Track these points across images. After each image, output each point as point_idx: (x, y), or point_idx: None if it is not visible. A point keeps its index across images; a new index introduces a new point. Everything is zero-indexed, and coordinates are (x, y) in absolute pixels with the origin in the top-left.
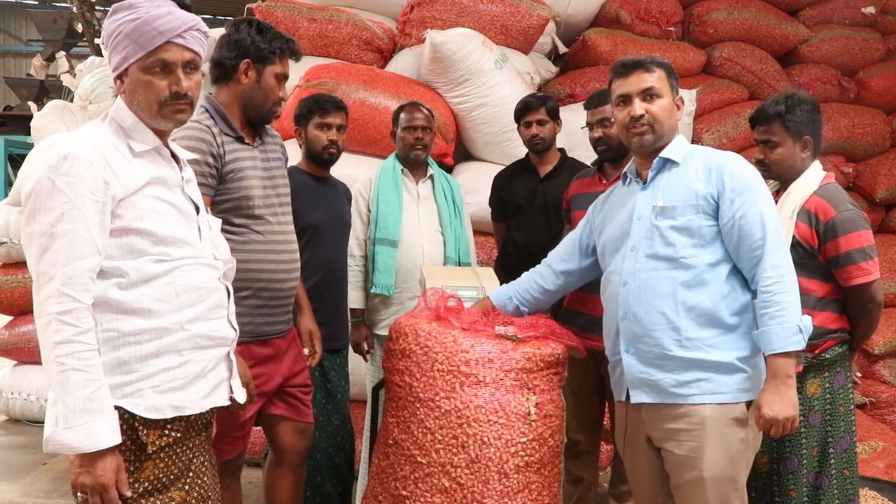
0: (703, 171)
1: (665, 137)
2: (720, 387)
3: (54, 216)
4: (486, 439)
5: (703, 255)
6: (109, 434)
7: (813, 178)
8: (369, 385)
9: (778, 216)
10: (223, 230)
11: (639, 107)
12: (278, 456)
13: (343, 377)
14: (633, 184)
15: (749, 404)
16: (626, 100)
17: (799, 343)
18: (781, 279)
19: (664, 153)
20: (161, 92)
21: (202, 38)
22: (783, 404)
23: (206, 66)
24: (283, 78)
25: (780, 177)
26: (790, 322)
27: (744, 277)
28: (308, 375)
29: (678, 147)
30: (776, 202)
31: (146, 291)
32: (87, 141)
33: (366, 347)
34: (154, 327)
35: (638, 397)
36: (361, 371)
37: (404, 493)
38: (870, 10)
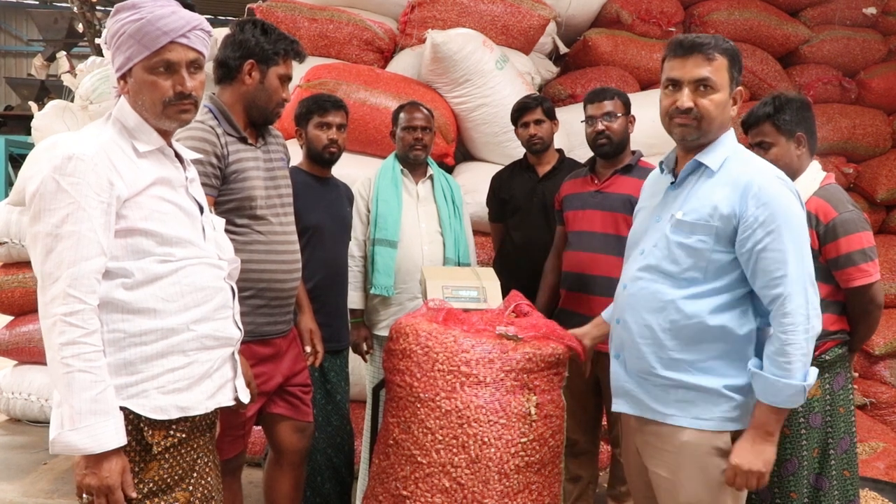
0: (731, 187)
1: (711, 134)
2: (704, 413)
3: (59, 217)
4: (486, 439)
5: (706, 278)
6: (115, 435)
7: (813, 178)
8: (369, 385)
9: (808, 244)
10: (225, 230)
11: (687, 98)
12: (278, 455)
13: (343, 378)
14: (667, 176)
15: (736, 434)
16: (676, 85)
17: (796, 403)
18: (797, 327)
19: (700, 157)
20: (165, 92)
21: (206, 37)
22: (755, 457)
23: (209, 66)
24: (286, 79)
25: None
26: (793, 379)
27: (750, 305)
28: (308, 375)
29: (718, 152)
30: None
31: (151, 292)
32: (91, 142)
33: (365, 348)
34: (159, 328)
35: (619, 406)
36: (361, 371)
37: (405, 493)
38: (871, 10)
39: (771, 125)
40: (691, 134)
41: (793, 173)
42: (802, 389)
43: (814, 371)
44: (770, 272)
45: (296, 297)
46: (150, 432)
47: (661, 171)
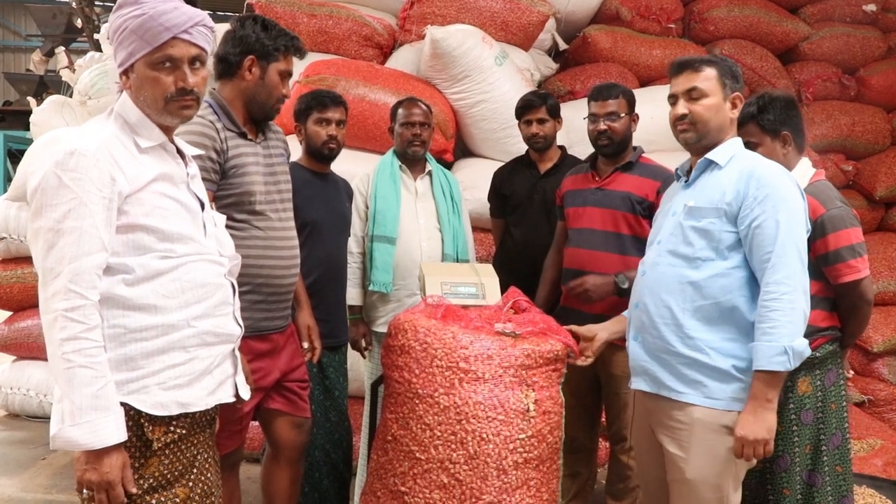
0: (736, 175)
1: (711, 136)
2: (714, 392)
3: (61, 212)
4: (484, 436)
5: (719, 260)
6: (116, 431)
7: (801, 175)
8: (367, 381)
9: (803, 229)
10: (219, 201)
11: (681, 106)
12: (276, 451)
13: (341, 374)
14: (682, 180)
15: None
16: (674, 98)
17: (782, 364)
18: (781, 296)
19: (709, 154)
20: (167, 88)
21: (208, 33)
22: (757, 426)
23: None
24: (286, 75)
25: None
26: (778, 342)
27: (760, 289)
28: (306, 371)
29: (725, 150)
30: None
31: (152, 288)
32: (93, 137)
33: (364, 344)
34: (160, 324)
35: (637, 384)
36: (360, 367)
37: (403, 489)
38: (871, 7)
39: (755, 125)
40: (691, 137)
41: None
42: (784, 350)
43: (803, 340)
44: (763, 246)
45: (294, 293)
46: (151, 428)
47: (678, 177)
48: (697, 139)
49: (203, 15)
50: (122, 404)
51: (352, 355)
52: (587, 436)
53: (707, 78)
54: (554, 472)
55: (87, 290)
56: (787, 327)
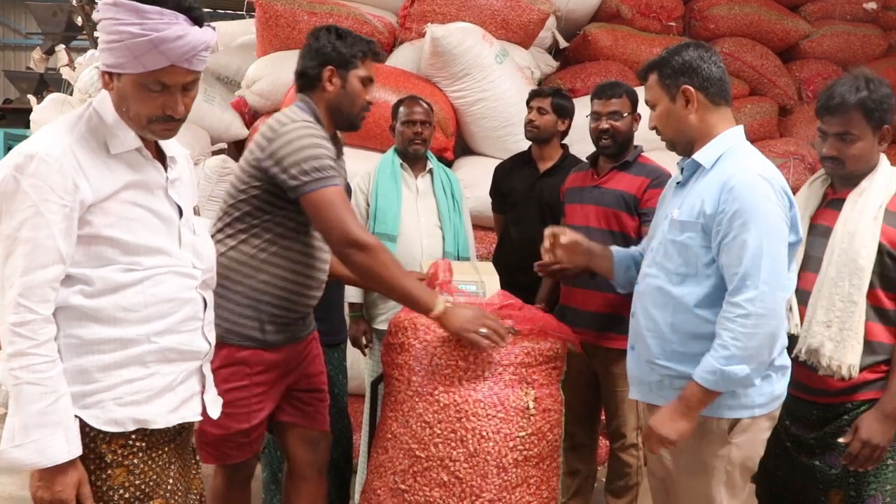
0: (716, 185)
1: (676, 140)
2: None
3: (18, 221)
4: (484, 433)
5: (698, 273)
6: (66, 447)
7: (894, 172)
8: (368, 379)
9: (779, 243)
10: (277, 225)
11: (650, 120)
12: (290, 468)
13: (341, 371)
14: (677, 178)
15: (735, 423)
16: None
17: (709, 384)
18: (736, 318)
19: (694, 156)
20: (154, 110)
21: (208, 54)
22: (664, 423)
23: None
24: (368, 81)
25: (849, 174)
26: (714, 361)
27: None
28: (324, 381)
29: (712, 149)
30: (829, 199)
31: (112, 300)
32: (60, 140)
33: (364, 342)
34: (118, 337)
35: (633, 394)
36: (360, 365)
37: (403, 486)
38: (871, 5)
39: (862, 113)
40: (668, 146)
41: (868, 169)
42: (715, 370)
43: (742, 368)
44: (731, 266)
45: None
46: (104, 445)
47: (680, 170)
48: (672, 145)
49: (205, 40)
50: (78, 417)
51: (352, 353)
52: (587, 433)
53: (650, 87)
54: (554, 469)
55: (37, 305)
56: (729, 350)
